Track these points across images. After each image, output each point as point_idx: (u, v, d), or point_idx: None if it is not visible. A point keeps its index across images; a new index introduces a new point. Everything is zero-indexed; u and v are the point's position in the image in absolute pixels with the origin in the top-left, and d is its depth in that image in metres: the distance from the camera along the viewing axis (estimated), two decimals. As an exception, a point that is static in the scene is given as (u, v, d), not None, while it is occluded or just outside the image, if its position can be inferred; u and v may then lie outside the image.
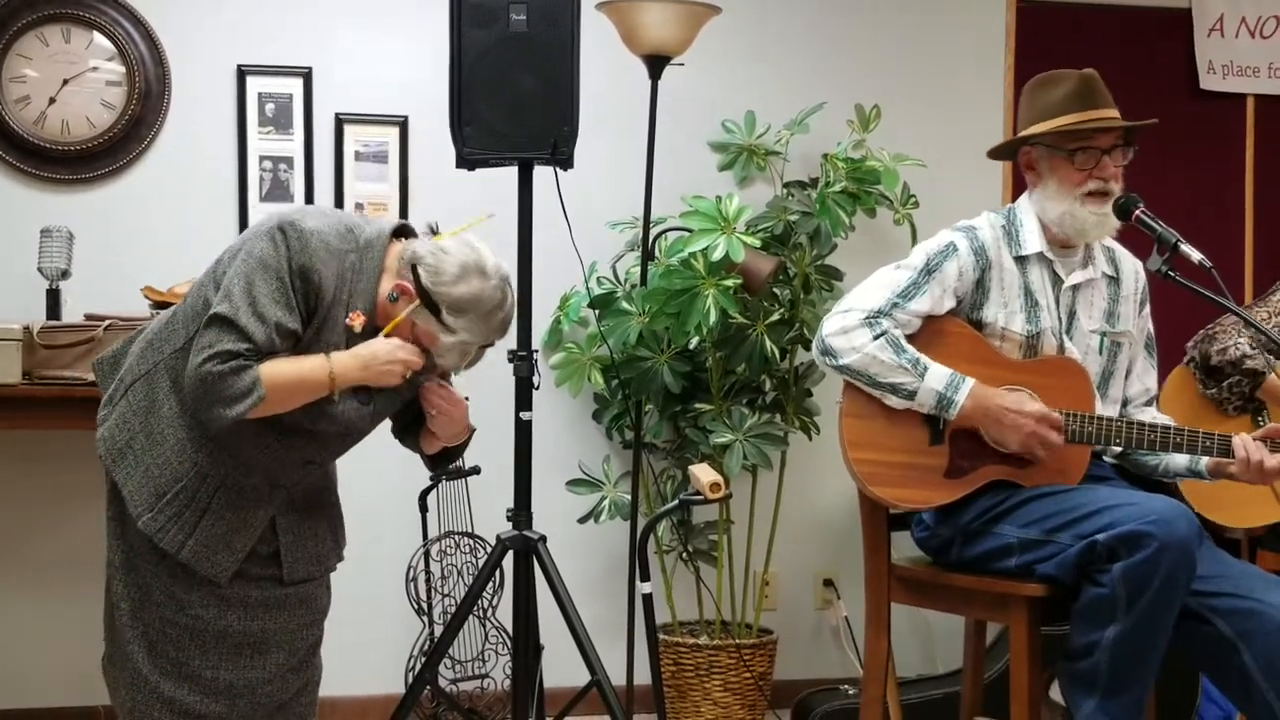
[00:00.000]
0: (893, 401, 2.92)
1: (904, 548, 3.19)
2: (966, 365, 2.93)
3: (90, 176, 4.05)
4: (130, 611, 2.59)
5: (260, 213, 4.11)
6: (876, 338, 2.90)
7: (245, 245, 2.52)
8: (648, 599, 2.92)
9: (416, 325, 2.57)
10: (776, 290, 4.10)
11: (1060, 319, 3.04)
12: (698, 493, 2.83)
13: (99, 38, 4.02)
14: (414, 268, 2.55)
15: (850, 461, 2.95)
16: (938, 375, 2.89)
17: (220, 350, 2.42)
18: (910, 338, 2.95)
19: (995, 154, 3.28)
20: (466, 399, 2.74)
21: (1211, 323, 3.82)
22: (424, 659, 3.85)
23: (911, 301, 2.95)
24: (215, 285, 2.53)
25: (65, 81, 4.00)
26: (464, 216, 4.21)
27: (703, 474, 2.82)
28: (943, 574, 3.05)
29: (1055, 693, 3.25)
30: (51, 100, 4.00)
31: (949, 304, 3.00)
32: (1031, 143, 3.04)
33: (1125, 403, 3.17)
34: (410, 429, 2.81)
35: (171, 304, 3.58)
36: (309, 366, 2.49)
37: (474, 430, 2.81)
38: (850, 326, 2.92)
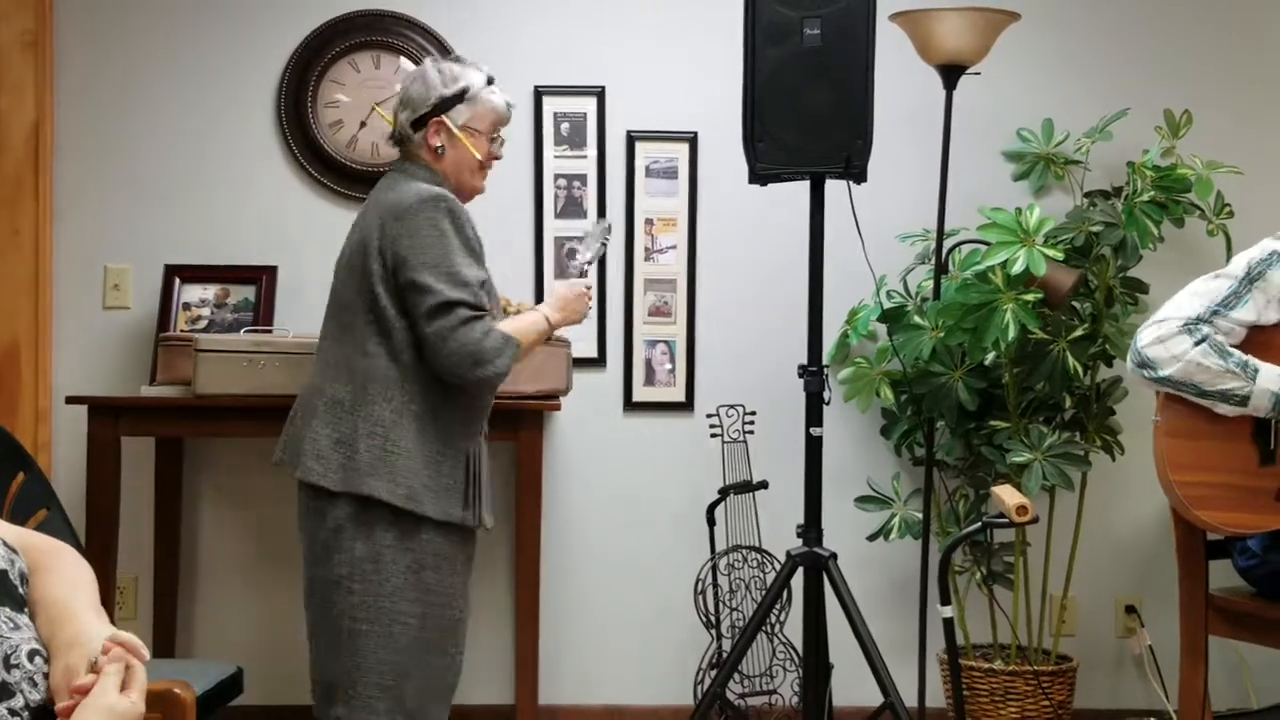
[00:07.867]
0: (1223, 409, 2.75)
1: (1218, 577, 3.01)
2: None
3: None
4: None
5: (556, 230, 4.22)
6: (1198, 344, 2.75)
7: (410, 227, 2.76)
8: (949, 622, 2.85)
9: (471, 138, 2.89)
10: (1077, 304, 3.95)
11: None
12: (1001, 515, 2.74)
13: (405, 62, 4.19)
14: (412, 123, 2.90)
15: (1172, 484, 2.80)
16: (1271, 375, 2.71)
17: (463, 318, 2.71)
18: (1233, 349, 2.78)
19: None
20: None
21: None
22: (712, 671, 3.86)
23: (1233, 310, 2.79)
24: (384, 275, 2.76)
25: (375, 105, 4.19)
26: (751, 229, 4.25)
27: (1008, 496, 2.73)
28: (1272, 607, 2.86)
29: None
30: (362, 124, 4.19)
31: (1273, 316, 2.82)
32: None
33: None
34: None
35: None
36: (530, 321, 2.91)
37: None
38: (1167, 335, 2.78)
